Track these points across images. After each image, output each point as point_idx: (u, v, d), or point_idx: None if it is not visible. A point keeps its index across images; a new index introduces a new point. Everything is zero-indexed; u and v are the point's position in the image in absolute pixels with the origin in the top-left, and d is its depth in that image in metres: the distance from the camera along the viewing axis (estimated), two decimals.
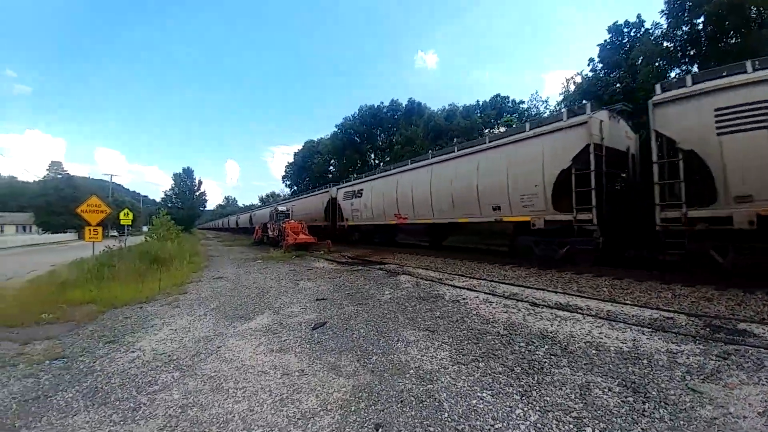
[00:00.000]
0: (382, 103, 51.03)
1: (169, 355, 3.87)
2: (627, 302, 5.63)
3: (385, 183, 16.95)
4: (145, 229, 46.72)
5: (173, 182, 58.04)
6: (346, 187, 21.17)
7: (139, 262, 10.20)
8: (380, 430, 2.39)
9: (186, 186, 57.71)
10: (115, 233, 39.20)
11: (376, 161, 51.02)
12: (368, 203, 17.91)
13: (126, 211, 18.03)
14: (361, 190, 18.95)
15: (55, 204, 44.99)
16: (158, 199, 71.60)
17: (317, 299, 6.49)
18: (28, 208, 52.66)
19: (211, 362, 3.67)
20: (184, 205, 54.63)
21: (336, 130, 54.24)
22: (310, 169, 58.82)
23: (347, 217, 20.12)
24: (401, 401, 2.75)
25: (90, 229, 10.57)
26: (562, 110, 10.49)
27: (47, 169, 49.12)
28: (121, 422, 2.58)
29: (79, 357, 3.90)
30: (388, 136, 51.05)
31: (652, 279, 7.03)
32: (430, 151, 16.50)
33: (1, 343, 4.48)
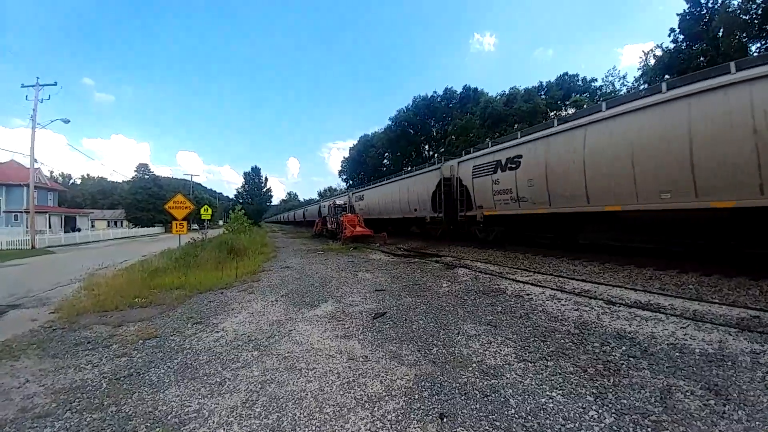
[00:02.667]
0: (435, 92, 50.16)
1: (248, 336, 4.28)
2: (715, 300, 5.13)
3: (372, 192, 25.13)
4: (221, 222, 51.79)
5: (243, 180, 63.51)
6: (356, 192, 29.71)
7: (219, 252, 11.35)
8: (445, 419, 2.42)
9: (254, 183, 62.78)
10: (196, 227, 44.06)
11: (431, 152, 50.42)
12: (367, 204, 25.38)
13: (206, 207, 20.15)
14: (363, 195, 26.85)
15: (144, 201, 51.62)
16: (231, 196, 79.08)
17: (376, 290, 6.67)
18: (118, 206, 61.13)
19: (284, 344, 3.98)
20: (253, 200, 59.46)
21: (389, 123, 54.52)
22: (365, 163, 60.08)
23: (357, 213, 26.62)
24: (465, 393, 2.74)
25: (176, 223, 12.02)
26: (436, 159, 19.23)
27: (135, 171, 55.98)
28: (209, 395, 2.87)
29: (170, 336, 4.36)
30: (442, 126, 50.01)
31: (742, 275, 6.42)
32: (434, 157, 20.31)
33: (95, 327, 4.81)
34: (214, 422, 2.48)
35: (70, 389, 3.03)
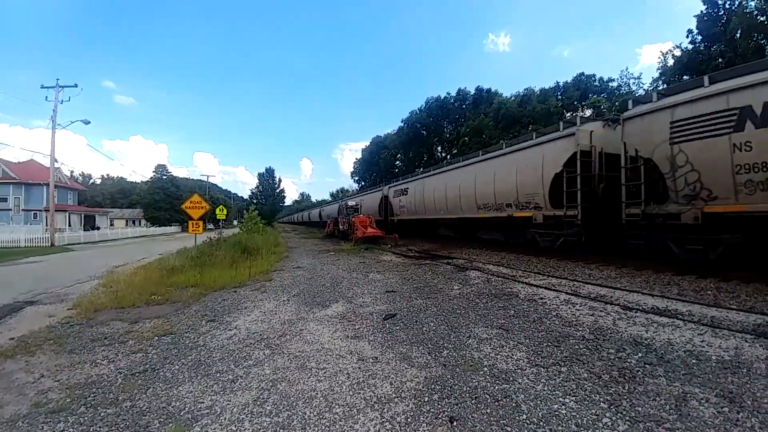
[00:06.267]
0: (448, 93, 49.85)
1: (260, 334, 4.34)
2: (732, 306, 5.01)
3: (423, 183, 18.56)
4: (235, 222, 52.61)
5: (258, 181, 64.34)
6: (395, 186, 22.86)
7: (233, 251, 11.53)
8: (455, 423, 2.40)
9: (268, 184, 63.50)
10: (211, 226, 44.91)
11: (443, 154, 50.16)
12: (413, 200, 19.18)
13: (221, 207, 20.56)
14: (407, 188, 20.47)
15: (161, 201, 52.95)
16: (246, 196, 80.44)
17: (387, 291, 6.67)
18: (136, 205, 62.97)
19: (295, 343, 4.02)
20: (267, 201, 60.15)
21: (402, 124, 54.47)
22: (377, 165, 60.22)
23: (397, 212, 21.89)
24: (475, 398, 2.71)
25: (193, 223, 12.28)
26: (560, 122, 11.69)
27: (153, 171, 58.00)
28: (221, 392, 2.91)
29: (184, 333, 4.43)
30: (455, 128, 49.64)
31: (759, 281, 6.22)
32: (446, 159, 17.24)
33: (112, 323, 4.87)
34: (226, 419, 2.51)
35: (86, 384, 3.07)
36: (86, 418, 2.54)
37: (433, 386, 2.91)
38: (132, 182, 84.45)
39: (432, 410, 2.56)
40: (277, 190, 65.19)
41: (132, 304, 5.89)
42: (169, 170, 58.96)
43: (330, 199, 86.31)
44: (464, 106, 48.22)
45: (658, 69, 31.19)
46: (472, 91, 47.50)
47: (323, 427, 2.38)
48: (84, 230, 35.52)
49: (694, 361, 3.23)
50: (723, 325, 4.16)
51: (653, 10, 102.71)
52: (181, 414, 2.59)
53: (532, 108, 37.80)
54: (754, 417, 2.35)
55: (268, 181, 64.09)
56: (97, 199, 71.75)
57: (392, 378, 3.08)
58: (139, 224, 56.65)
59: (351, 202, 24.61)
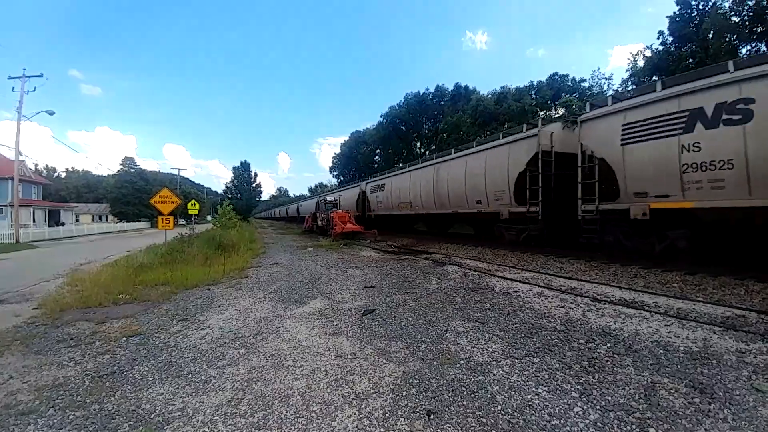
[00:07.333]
0: (427, 89, 50.00)
1: (235, 333, 4.22)
2: (699, 299, 5.20)
3: (397, 179, 18.87)
4: (209, 218, 50.99)
5: (233, 175, 62.30)
6: (373, 181, 23.58)
7: (206, 247, 11.17)
8: (432, 416, 2.42)
9: (244, 178, 61.61)
10: (183, 222, 43.31)
11: (422, 150, 50.46)
12: (389, 195, 20.38)
13: (193, 201, 19.84)
14: (384, 184, 21.34)
15: (129, 195, 50.66)
16: (220, 191, 77.95)
17: (365, 287, 6.66)
18: (103, 200, 59.98)
19: (271, 341, 3.94)
20: (243, 196, 58.45)
21: (381, 119, 54.28)
22: (356, 160, 59.84)
23: (373, 208, 22.65)
24: (452, 390, 2.75)
25: (162, 218, 11.79)
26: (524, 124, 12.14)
27: (120, 164, 55.44)
28: (193, 393, 2.83)
29: (154, 333, 4.28)
30: (434, 124, 49.99)
31: (726, 274, 6.49)
32: (425, 155, 17.22)
33: (78, 323, 4.71)
34: (198, 421, 2.44)
35: (53, 386, 2.99)
36: (55, 421, 2.49)
37: (411, 380, 2.93)
38: (98, 176, 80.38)
39: (410, 404, 2.58)
40: (254, 185, 63.41)
41: (99, 304, 5.66)
42: (138, 163, 56.69)
43: (308, 194, 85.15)
44: (442, 103, 48.55)
45: (627, 70, 32.46)
46: (451, 88, 47.88)
47: (300, 426, 2.35)
48: (49, 226, 33.55)
49: (661, 351, 3.35)
50: (690, 317, 4.29)
51: (624, 12, 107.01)
52: (152, 416, 2.50)
53: (508, 106, 38.55)
54: (726, 408, 2.40)
55: (243, 175, 62.20)
56: (61, 194, 67.92)
57: (370, 374, 3.08)
58: (106, 220, 53.96)
59: (330, 197, 24.33)
